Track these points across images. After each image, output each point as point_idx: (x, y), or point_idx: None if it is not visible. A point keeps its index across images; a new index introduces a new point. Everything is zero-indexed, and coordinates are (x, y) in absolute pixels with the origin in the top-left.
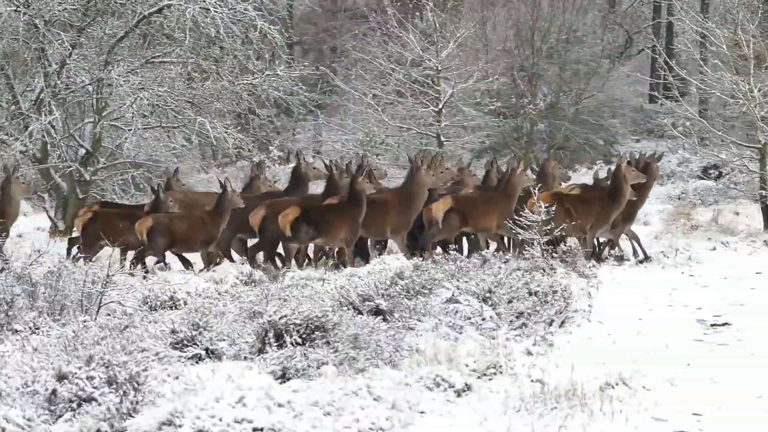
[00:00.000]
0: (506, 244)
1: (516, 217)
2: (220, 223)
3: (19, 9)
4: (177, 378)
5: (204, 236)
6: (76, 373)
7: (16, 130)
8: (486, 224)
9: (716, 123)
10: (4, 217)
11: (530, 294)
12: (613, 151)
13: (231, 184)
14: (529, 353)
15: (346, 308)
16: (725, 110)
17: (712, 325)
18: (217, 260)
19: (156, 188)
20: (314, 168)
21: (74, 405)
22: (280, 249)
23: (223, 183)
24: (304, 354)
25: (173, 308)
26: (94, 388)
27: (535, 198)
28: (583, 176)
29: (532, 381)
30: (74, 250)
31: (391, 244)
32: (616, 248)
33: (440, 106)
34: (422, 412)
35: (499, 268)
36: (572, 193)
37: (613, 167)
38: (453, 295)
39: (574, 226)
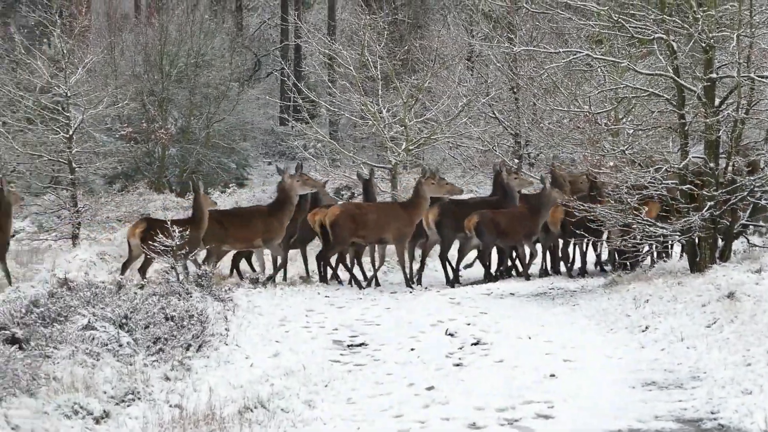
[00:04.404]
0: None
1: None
2: None
3: None
4: None
5: None
6: None
7: None
8: None
9: (347, 144)
10: None
11: (167, 319)
12: (246, 173)
13: None
14: (167, 378)
15: None
16: (355, 131)
17: (348, 346)
18: None
19: None
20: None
21: None
22: None
23: None
24: None
25: None
26: None
27: None
28: (218, 199)
29: (170, 406)
30: None
31: None
32: None
33: (71, 133)
34: None
35: (135, 293)
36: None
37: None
38: (89, 321)
39: None
